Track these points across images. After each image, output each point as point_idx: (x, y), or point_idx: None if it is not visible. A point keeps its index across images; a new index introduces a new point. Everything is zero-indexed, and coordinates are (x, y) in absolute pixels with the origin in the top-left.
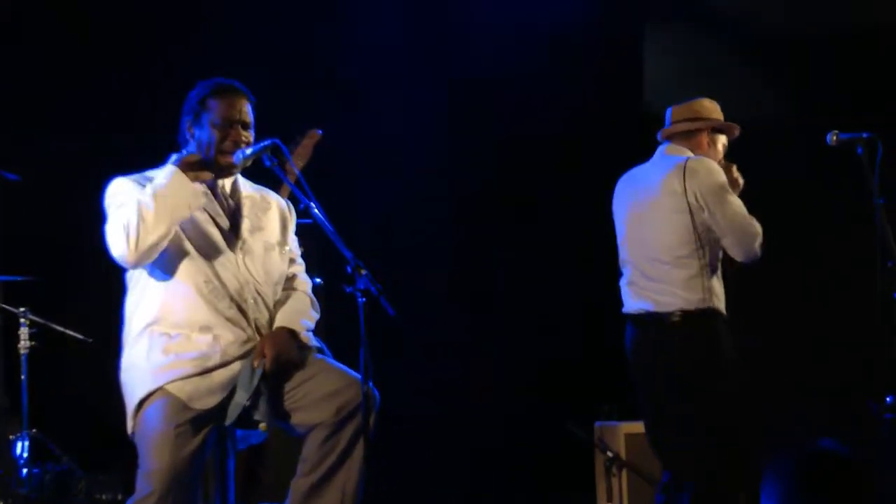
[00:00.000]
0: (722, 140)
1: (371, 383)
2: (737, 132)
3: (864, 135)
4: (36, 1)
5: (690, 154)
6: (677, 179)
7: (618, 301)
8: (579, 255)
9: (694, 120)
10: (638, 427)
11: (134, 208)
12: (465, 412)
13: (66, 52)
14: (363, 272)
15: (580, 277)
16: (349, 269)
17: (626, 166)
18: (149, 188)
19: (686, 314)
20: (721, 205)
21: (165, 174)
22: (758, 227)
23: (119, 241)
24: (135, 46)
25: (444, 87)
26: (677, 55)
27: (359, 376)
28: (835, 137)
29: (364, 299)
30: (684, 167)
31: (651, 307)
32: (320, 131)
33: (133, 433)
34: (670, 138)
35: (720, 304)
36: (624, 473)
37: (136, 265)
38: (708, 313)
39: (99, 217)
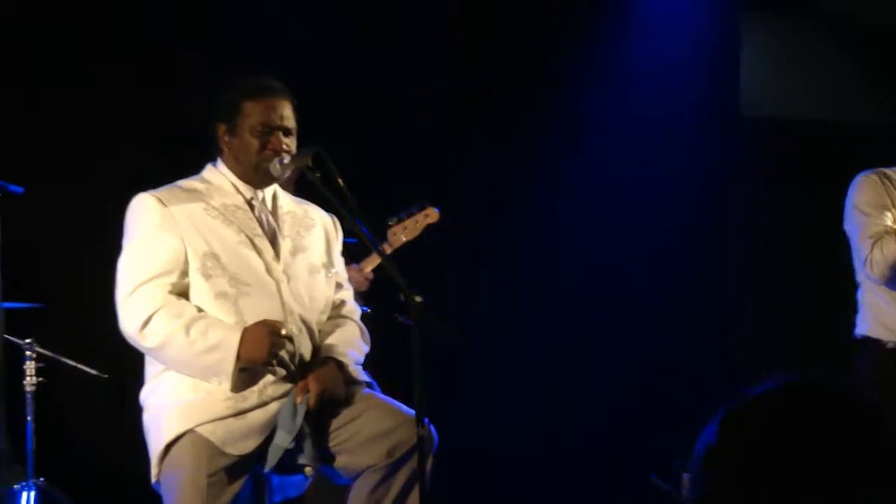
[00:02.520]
0: None
1: (427, 421)
2: None
3: None
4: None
5: None
6: None
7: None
8: (677, 275)
9: None
10: None
11: (168, 327)
12: (532, 456)
13: (77, 50)
14: (418, 300)
15: (675, 302)
16: (402, 297)
17: (719, 174)
18: (197, 336)
19: (855, 343)
20: (847, 218)
21: (219, 356)
22: (867, 248)
23: (133, 326)
24: (164, 43)
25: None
26: (776, 51)
27: (413, 413)
28: None
29: (419, 330)
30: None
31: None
32: (437, 210)
33: (158, 482)
34: None
35: (881, 331)
36: None
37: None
38: (863, 341)
39: (116, 237)
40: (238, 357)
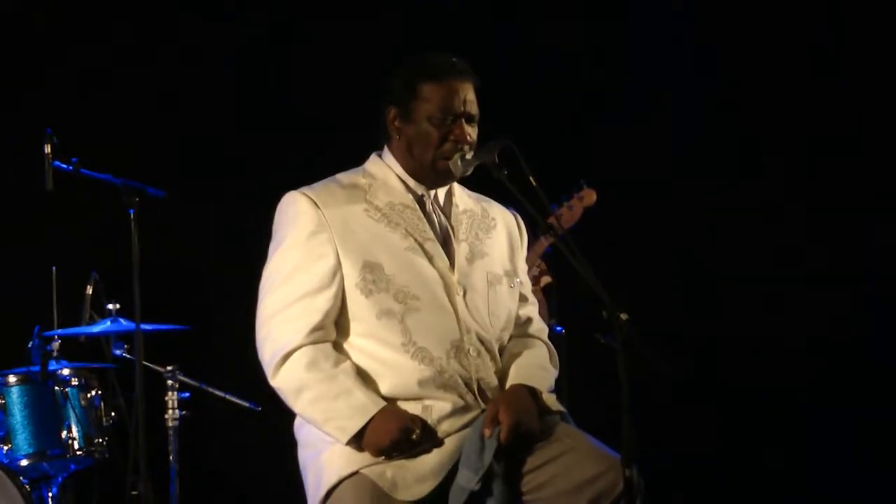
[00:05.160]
0: None
1: (635, 466)
2: None
3: None
4: None
5: None
6: None
7: None
8: None
9: None
10: None
11: (298, 379)
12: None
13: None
14: (624, 318)
15: None
16: (605, 314)
17: None
18: (324, 401)
19: None
20: None
21: (335, 428)
22: None
23: (269, 358)
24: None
25: None
26: None
27: (618, 456)
28: None
29: (626, 354)
30: None
31: None
32: (592, 188)
33: None
34: None
35: None
36: None
37: None
38: None
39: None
40: (355, 439)
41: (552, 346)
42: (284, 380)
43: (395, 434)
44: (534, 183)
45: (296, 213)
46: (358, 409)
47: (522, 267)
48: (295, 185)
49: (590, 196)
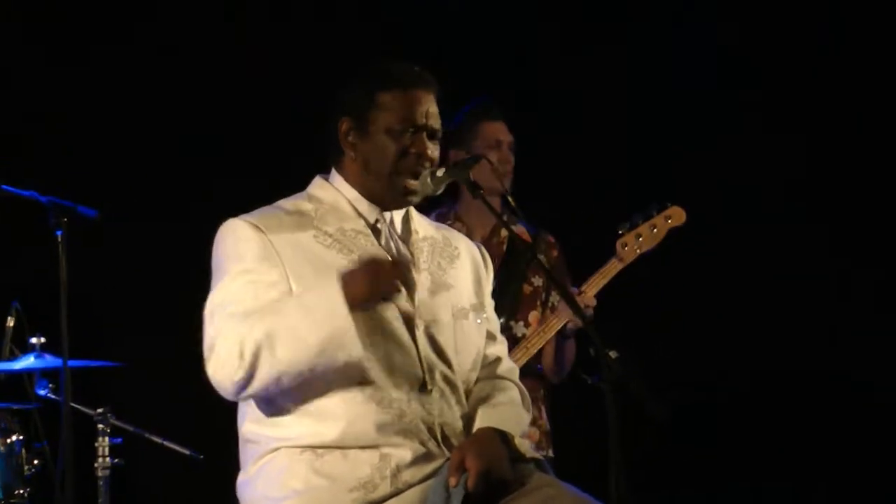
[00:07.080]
0: None
1: None
2: None
3: None
4: None
5: None
6: None
7: None
8: None
9: None
10: None
11: (261, 330)
12: None
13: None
14: (614, 356)
15: None
16: (593, 352)
17: None
18: (294, 313)
19: None
20: None
21: (325, 307)
22: None
23: (229, 368)
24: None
25: None
26: None
27: None
28: None
29: (616, 396)
30: None
31: None
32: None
33: None
34: None
35: None
36: None
37: (235, 397)
38: None
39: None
40: (348, 304)
41: (524, 388)
42: (219, 357)
43: (367, 269)
44: (512, 203)
45: (237, 240)
46: (322, 295)
47: (489, 302)
48: (242, 208)
49: (678, 215)
